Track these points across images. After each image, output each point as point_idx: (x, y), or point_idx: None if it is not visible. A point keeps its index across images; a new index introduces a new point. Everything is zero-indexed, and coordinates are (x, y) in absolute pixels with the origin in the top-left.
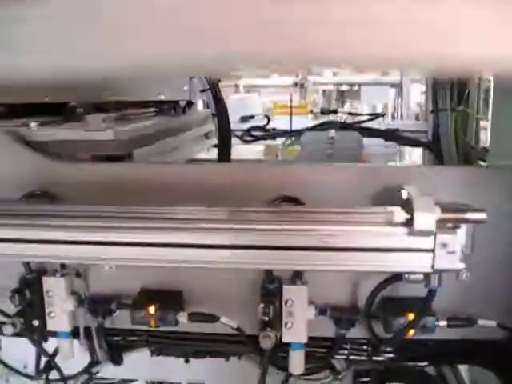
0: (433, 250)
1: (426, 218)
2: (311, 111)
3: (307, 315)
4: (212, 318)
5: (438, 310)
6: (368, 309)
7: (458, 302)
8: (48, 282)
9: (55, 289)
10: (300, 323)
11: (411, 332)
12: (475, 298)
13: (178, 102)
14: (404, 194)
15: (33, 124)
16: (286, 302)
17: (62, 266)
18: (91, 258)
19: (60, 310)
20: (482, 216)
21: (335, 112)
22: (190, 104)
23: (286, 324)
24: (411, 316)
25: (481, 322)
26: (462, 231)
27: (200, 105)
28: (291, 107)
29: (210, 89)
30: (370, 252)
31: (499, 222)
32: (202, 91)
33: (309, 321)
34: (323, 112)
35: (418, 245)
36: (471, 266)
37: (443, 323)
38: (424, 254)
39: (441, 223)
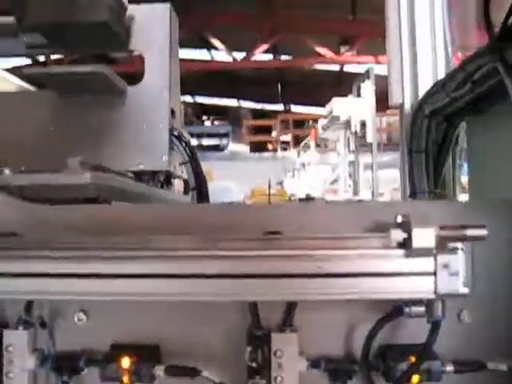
0: (434, 273)
1: (424, 234)
2: (289, 198)
3: (299, 367)
4: (192, 372)
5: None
6: (366, 352)
7: (460, 349)
8: (9, 336)
9: (16, 343)
10: (291, 377)
11: (415, 379)
12: (479, 343)
13: (156, 173)
14: (399, 218)
15: (7, 171)
16: (275, 353)
17: (27, 310)
18: (60, 292)
19: (20, 369)
20: (482, 232)
21: (313, 199)
22: (168, 181)
23: (275, 378)
24: (414, 359)
25: (490, 365)
26: (462, 255)
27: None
28: (269, 195)
29: (190, 162)
30: (368, 277)
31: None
32: (182, 164)
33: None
34: (301, 199)
35: (417, 267)
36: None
37: (449, 368)
38: (425, 277)
39: (441, 242)
